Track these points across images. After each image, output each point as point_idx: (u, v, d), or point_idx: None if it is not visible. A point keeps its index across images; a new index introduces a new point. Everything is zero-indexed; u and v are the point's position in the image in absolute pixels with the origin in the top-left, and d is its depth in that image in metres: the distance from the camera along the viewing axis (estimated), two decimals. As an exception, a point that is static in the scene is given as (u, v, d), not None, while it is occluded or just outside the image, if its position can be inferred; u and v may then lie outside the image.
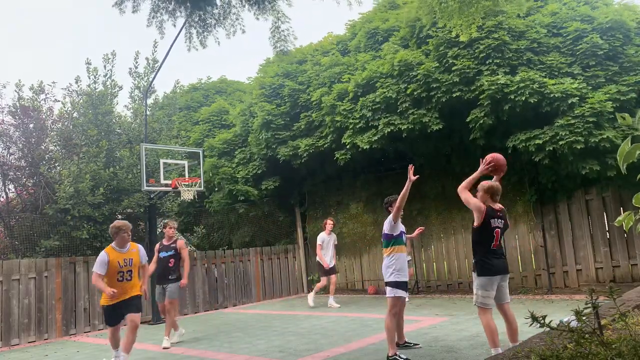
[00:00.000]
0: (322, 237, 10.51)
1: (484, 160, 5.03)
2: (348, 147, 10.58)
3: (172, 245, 7.84)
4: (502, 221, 4.99)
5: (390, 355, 5.35)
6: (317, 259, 10.50)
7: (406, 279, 5.59)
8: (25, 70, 67.71)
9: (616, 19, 8.99)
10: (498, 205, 5.02)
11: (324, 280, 10.39)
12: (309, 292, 13.10)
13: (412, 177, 5.35)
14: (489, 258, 4.88)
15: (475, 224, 4.91)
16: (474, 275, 4.97)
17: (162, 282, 7.73)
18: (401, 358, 5.31)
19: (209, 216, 14.70)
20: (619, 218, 2.88)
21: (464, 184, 5.03)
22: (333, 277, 10.44)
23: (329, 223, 10.68)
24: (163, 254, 7.78)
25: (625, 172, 2.74)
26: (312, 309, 10.14)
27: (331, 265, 10.43)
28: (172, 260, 7.72)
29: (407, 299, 6.06)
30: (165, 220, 8.34)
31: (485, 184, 5.07)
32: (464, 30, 6.93)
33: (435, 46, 9.75)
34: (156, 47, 12.17)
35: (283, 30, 6.28)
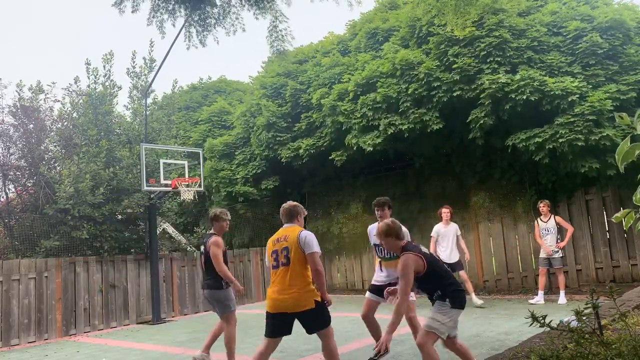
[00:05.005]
0: (436, 229, 9.10)
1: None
2: (354, 148, 10.52)
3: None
4: (421, 245, 4.39)
5: None
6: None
7: None
8: (25, 70, 67.74)
9: (616, 19, 8.99)
10: (404, 241, 4.34)
11: None
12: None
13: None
14: (459, 286, 4.29)
15: (421, 275, 4.08)
16: (443, 304, 4.06)
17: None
18: None
19: (209, 217, 14.69)
20: (617, 214, 2.87)
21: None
22: (462, 274, 8.96)
23: (445, 212, 9.06)
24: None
25: (623, 171, 2.74)
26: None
27: (451, 261, 8.81)
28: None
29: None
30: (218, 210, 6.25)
31: (380, 228, 4.32)
32: (459, 26, 6.92)
33: (436, 44, 9.74)
34: (153, 47, 12.16)
35: (281, 30, 6.25)
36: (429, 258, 4.12)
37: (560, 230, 8.93)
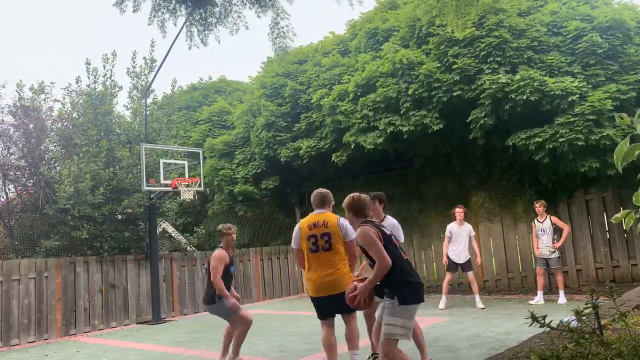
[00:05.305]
0: (449, 227, 9.18)
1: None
2: (352, 146, 10.52)
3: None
4: (386, 228, 4.06)
5: None
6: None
7: None
8: (25, 70, 67.72)
9: (616, 18, 8.99)
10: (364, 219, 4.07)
11: (449, 276, 9.15)
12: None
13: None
14: (414, 278, 3.85)
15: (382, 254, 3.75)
16: (391, 303, 3.73)
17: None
18: None
19: (209, 217, 14.70)
20: (617, 215, 2.87)
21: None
22: (470, 275, 9.05)
23: (458, 211, 9.10)
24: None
25: (621, 171, 2.74)
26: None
27: (460, 262, 9.01)
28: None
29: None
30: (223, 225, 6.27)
31: (345, 200, 4.14)
32: (460, 27, 6.93)
33: (436, 45, 9.74)
34: (154, 47, 12.14)
35: (282, 27, 6.25)
36: (386, 237, 3.81)
37: (557, 231, 8.93)
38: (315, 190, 5.00)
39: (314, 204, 4.93)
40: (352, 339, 4.66)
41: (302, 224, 4.79)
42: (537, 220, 9.01)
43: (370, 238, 3.74)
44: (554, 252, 8.76)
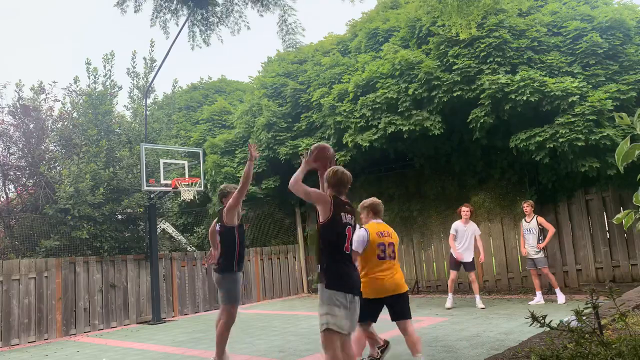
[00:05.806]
0: (455, 225, 9.16)
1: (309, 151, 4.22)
2: (350, 146, 10.52)
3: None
4: (352, 217, 3.84)
5: None
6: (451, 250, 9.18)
7: None
8: (25, 70, 67.73)
9: (616, 18, 9.00)
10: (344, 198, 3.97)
11: (452, 274, 9.11)
12: (309, 292, 13.11)
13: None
14: (347, 267, 3.70)
15: (321, 219, 3.69)
16: (321, 287, 3.62)
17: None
18: None
19: (209, 216, 14.69)
20: (618, 216, 2.87)
21: (294, 178, 3.90)
22: (472, 275, 9.04)
23: (464, 210, 9.13)
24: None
25: (623, 171, 2.74)
26: (312, 309, 10.07)
27: (465, 260, 9.02)
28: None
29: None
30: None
31: (328, 173, 4.07)
32: (464, 28, 6.93)
33: (436, 45, 9.74)
34: (153, 47, 12.15)
35: (290, 23, 6.27)
36: (341, 224, 3.60)
37: (543, 231, 8.97)
38: (373, 200, 5.23)
39: (373, 212, 5.17)
40: (415, 344, 4.82)
41: (371, 230, 4.94)
42: (525, 220, 9.09)
43: (319, 194, 3.79)
44: (539, 252, 8.80)
